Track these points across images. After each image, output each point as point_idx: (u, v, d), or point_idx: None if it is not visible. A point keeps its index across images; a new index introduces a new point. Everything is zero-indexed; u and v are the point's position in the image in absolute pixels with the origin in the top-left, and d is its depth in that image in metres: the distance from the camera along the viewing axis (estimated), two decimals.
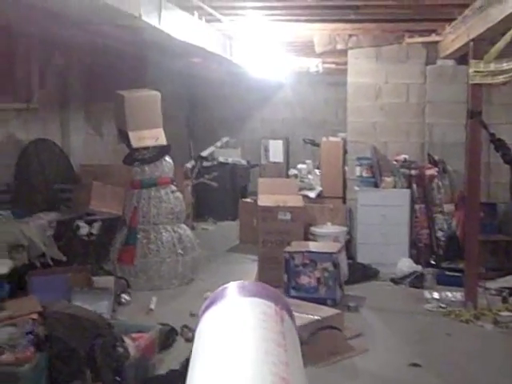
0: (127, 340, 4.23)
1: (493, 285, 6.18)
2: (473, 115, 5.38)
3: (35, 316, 4.18)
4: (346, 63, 8.33)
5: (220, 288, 1.25)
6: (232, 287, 1.24)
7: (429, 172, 7.22)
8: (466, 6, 5.34)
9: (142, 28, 4.82)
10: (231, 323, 1.12)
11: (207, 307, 1.22)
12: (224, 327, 1.12)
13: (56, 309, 4.13)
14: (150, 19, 4.67)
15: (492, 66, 4.61)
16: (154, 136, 6.69)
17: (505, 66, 4.18)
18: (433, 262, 7.04)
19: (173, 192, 6.87)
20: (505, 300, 5.92)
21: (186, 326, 5.19)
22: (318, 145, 10.25)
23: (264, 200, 6.96)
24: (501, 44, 4.52)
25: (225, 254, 8.28)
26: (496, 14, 4.43)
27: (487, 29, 4.86)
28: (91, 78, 8.06)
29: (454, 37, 6.27)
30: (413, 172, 7.25)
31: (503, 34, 4.75)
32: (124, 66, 8.18)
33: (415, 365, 4.56)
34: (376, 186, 7.37)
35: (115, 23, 4.80)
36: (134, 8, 4.30)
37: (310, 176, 9.29)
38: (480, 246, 6.07)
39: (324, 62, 10.33)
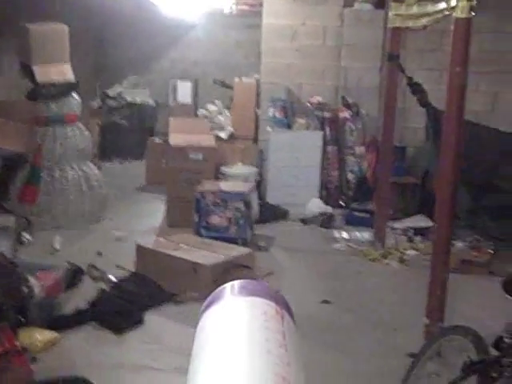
0: (32, 279, 4.04)
1: (399, 225, 6.32)
2: (391, 58, 5.38)
3: None
4: (260, 5, 8.15)
5: (220, 287, 1.24)
6: (232, 286, 1.24)
7: (342, 115, 7.24)
8: None
9: None
10: (232, 322, 1.13)
11: (207, 306, 1.21)
12: (225, 327, 1.12)
13: None
14: None
15: (415, 9, 4.57)
16: (60, 71, 6.34)
17: (429, 8, 4.14)
18: (342, 203, 7.13)
19: (79, 130, 6.58)
20: (410, 239, 6.08)
21: (92, 266, 5.04)
22: (228, 86, 10.08)
23: (176, 139, 6.78)
24: None
25: (132, 194, 8.08)
26: None
27: None
28: None
29: None
30: (326, 114, 7.25)
31: None
32: None
33: (326, 302, 4.62)
34: (289, 127, 7.33)
35: None
36: None
37: (219, 117, 9.14)
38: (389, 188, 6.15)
39: (238, 3, 10.10)
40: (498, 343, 2.46)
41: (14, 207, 6.20)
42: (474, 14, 3.60)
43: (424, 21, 4.44)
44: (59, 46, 6.41)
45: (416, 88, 4.86)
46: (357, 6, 7.36)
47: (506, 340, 2.42)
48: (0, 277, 3.83)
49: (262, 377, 0.96)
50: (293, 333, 1.14)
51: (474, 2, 3.58)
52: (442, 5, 3.87)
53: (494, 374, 2.34)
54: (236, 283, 1.25)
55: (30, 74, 6.31)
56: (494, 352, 2.48)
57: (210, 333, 1.13)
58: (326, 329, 4.22)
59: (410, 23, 4.81)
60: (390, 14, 5.23)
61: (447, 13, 3.80)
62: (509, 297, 2.70)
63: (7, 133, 6.21)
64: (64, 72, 6.42)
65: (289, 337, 1.09)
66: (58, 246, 5.65)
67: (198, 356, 1.08)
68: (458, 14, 3.61)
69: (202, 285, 4.63)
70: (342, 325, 4.28)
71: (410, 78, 4.99)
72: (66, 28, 6.48)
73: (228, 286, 1.24)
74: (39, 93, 6.35)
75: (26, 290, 3.93)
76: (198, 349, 1.11)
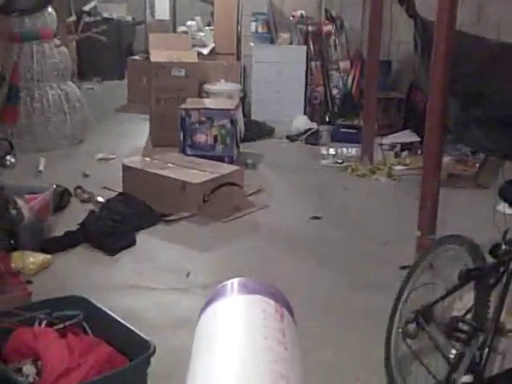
0: (20, 202, 3.98)
1: (386, 140, 6.30)
2: None
3: None
4: None
5: (220, 285, 1.22)
6: (232, 284, 1.22)
7: (326, 28, 7.09)
8: None
9: None
10: (231, 320, 1.12)
11: (207, 304, 1.20)
12: (224, 324, 1.12)
13: None
14: None
15: None
16: None
17: None
18: (328, 120, 7.07)
19: (57, 47, 6.38)
20: (397, 155, 6.08)
21: (79, 187, 4.99)
22: (208, 1, 9.79)
23: (157, 56, 6.60)
24: None
25: (114, 114, 7.96)
26: None
27: None
28: None
29: None
30: (310, 28, 7.11)
31: None
32: None
33: (315, 218, 4.63)
34: (272, 42, 7.18)
35: None
36: None
37: (200, 33, 8.91)
38: None
39: None
40: (495, 250, 2.47)
41: None
42: None
43: None
44: None
45: None
46: None
47: (504, 247, 2.43)
48: None
49: (260, 374, 0.96)
50: (293, 331, 1.14)
51: None
52: None
53: (492, 281, 2.36)
54: (236, 281, 1.23)
55: None
56: (490, 260, 2.50)
57: (210, 330, 1.12)
58: (316, 244, 4.24)
59: None
60: None
61: None
62: (505, 203, 2.70)
63: None
64: None
65: (288, 335, 1.09)
66: (42, 168, 5.57)
67: (198, 353, 1.08)
68: None
69: (192, 203, 4.62)
70: (333, 240, 4.30)
71: None
72: None
73: (228, 284, 1.22)
74: (12, 6, 6.08)
75: (14, 212, 3.88)
76: (197, 346, 1.11)
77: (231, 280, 1.22)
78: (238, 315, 1.14)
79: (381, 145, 6.12)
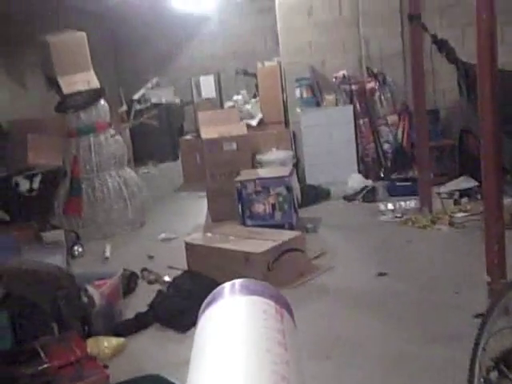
0: (91, 288, 4.09)
1: (443, 189, 6.25)
2: (412, 19, 5.29)
3: None
4: None
5: (220, 286, 1.21)
6: (232, 285, 1.21)
7: (369, 85, 7.18)
8: None
9: None
10: (232, 322, 1.11)
11: (207, 305, 1.19)
12: (224, 326, 1.11)
13: (11, 266, 3.93)
14: None
15: None
16: (85, 79, 6.39)
17: None
18: (382, 175, 7.08)
19: (112, 136, 6.64)
20: (456, 202, 6.01)
21: (145, 269, 5.09)
22: (251, 74, 10.06)
23: (207, 133, 6.79)
24: None
25: (172, 195, 8.15)
26: None
27: None
28: (8, 28, 7.60)
29: None
30: (353, 87, 7.21)
31: None
32: (42, 12, 7.74)
33: (382, 274, 4.58)
34: (318, 105, 7.28)
35: None
36: None
37: (246, 106, 9.14)
38: None
39: None
40: None
41: (61, 222, 6.30)
42: None
43: None
44: (80, 54, 6.46)
45: (442, 45, 4.77)
46: None
47: None
48: (60, 289, 3.88)
49: (260, 376, 0.95)
50: (292, 332, 1.14)
51: None
52: None
53: None
54: (236, 282, 1.22)
55: (56, 87, 6.37)
56: None
57: (210, 332, 1.12)
58: (386, 300, 4.18)
59: None
60: None
61: None
62: None
63: (42, 148, 6.30)
64: (89, 80, 6.47)
65: (288, 336, 1.09)
66: (108, 254, 5.72)
67: (198, 355, 1.07)
68: None
69: (257, 273, 4.63)
70: (402, 294, 4.23)
71: (434, 36, 4.90)
72: (84, 35, 6.51)
73: (228, 285, 1.22)
74: (67, 104, 6.41)
75: (86, 300, 3.98)
76: (197, 348, 1.10)
77: (231, 281, 1.21)
78: (239, 316, 1.12)
79: (439, 194, 6.07)
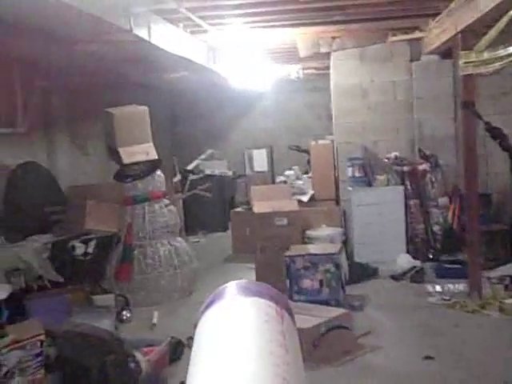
0: (138, 355, 4.17)
1: (493, 274, 6.19)
2: (466, 106, 5.40)
3: (43, 337, 4.10)
4: (326, 68, 8.31)
5: (220, 287, 1.18)
6: (233, 286, 1.19)
7: (421, 167, 7.25)
8: None
9: (132, 42, 4.79)
10: (233, 323, 1.09)
11: (208, 306, 1.16)
12: (225, 327, 1.09)
13: (65, 328, 4.05)
14: (141, 33, 4.65)
15: (485, 55, 4.62)
16: (144, 151, 6.64)
17: (501, 52, 4.19)
18: (431, 256, 7.06)
19: (166, 206, 6.82)
20: (507, 288, 5.93)
21: (191, 338, 5.11)
22: (303, 150, 10.25)
23: (260, 207, 6.92)
24: (493, 33, 4.54)
25: (221, 265, 8.23)
26: (485, 4, 4.46)
27: (476, 19, 4.90)
28: (75, 99, 8.00)
29: (439, 31, 6.31)
30: (405, 168, 7.28)
31: (490, 24, 4.80)
32: (107, 85, 8.13)
33: (428, 357, 4.54)
34: (369, 185, 7.37)
35: (103, 38, 4.75)
36: (125, 21, 4.27)
37: (298, 181, 9.28)
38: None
39: (304, 68, 10.37)
40: None
41: (112, 286, 6.44)
42: None
43: (496, 65, 4.48)
44: (141, 127, 6.73)
45: (495, 132, 4.86)
46: (423, 58, 7.45)
47: None
48: (108, 354, 3.97)
49: (262, 378, 0.93)
50: (293, 333, 1.10)
51: None
52: None
53: None
54: (237, 283, 1.20)
55: (117, 156, 6.63)
56: None
57: (210, 333, 1.09)
58: None
59: (483, 69, 4.85)
60: (461, 62, 5.27)
61: None
62: None
63: (100, 214, 6.50)
64: (147, 151, 6.71)
65: (289, 337, 1.06)
66: (155, 321, 5.80)
67: (198, 356, 1.05)
68: None
69: (302, 348, 4.65)
70: (450, 380, 4.19)
71: (488, 123, 4.99)
72: (146, 109, 6.81)
73: (228, 286, 1.19)
74: (126, 173, 6.64)
75: (133, 365, 4.05)
76: (197, 349, 1.08)
77: (230, 282, 1.19)
78: (239, 317, 1.10)
79: (489, 278, 6.01)
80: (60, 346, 3.92)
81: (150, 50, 5.17)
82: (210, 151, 11.72)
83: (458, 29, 5.38)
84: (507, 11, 4.17)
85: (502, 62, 4.31)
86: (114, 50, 5.46)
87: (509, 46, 4.01)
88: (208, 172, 10.89)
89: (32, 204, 6.88)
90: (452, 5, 5.39)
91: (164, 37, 5.28)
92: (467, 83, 5.39)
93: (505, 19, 4.23)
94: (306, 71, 10.57)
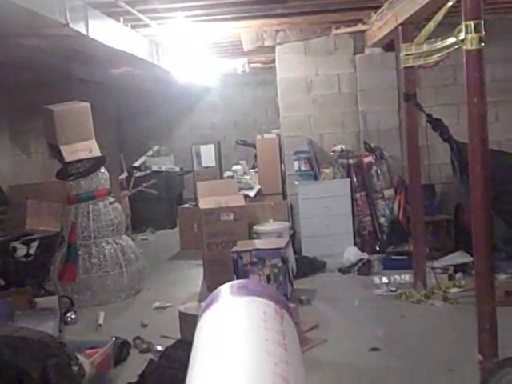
0: (81, 357, 4.06)
1: (438, 264, 6.26)
2: (407, 98, 5.44)
3: None
4: (272, 61, 8.29)
5: (220, 287, 1.23)
6: (232, 286, 1.23)
7: (366, 160, 7.29)
8: None
9: (69, 36, 4.66)
10: (232, 322, 1.12)
11: (207, 306, 1.20)
12: (224, 326, 1.11)
13: (3, 333, 3.92)
14: (78, 27, 4.54)
15: (425, 47, 4.66)
16: (87, 148, 6.51)
17: (439, 44, 4.23)
18: (378, 248, 7.12)
19: (111, 204, 6.70)
20: (451, 277, 6.02)
21: (138, 338, 5.06)
22: (251, 145, 10.23)
23: (205, 203, 6.86)
24: (431, 25, 4.58)
25: (168, 262, 8.15)
26: None
27: (415, 12, 4.95)
28: (15, 95, 7.79)
29: (381, 24, 6.35)
30: (351, 161, 7.31)
31: (428, 17, 4.85)
32: (48, 81, 7.94)
33: (375, 349, 4.56)
34: (315, 178, 7.38)
35: (40, 32, 4.61)
36: (60, 15, 4.15)
37: (246, 176, 9.25)
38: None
39: (250, 62, 10.34)
40: None
41: (56, 287, 6.30)
42: (483, 44, 3.67)
43: (435, 57, 4.52)
44: (83, 124, 6.59)
45: (436, 124, 4.90)
46: (367, 51, 7.49)
47: None
48: (50, 357, 3.86)
49: (261, 376, 0.95)
50: (292, 332, 1.13)
51: (483, 33, 3.65)
52: (451, 40, 3.94)
53: None
54: (235, 283, 1.23)
55: (58, 154, 6.48)
56: None
57: (210, 332, 1.11)
58: (379, 376, 4.16)
59: (422, 61, 4.89)
60: (402, 54, 5.32)
61: (457, 46, 3.87)
62: None
63: (41, 214, 6.36)
64: (90, 148, 6.58)
65: (288, 336, 1.08)
66: (101, 322, 5.69)
67: (198, 356, 1.07)
68: (468, 46, 3.68)
69: None
70: (395, 370, 4.21)
71: (429, 115, 5.03)
72: (88, 105, 6.66)
73: (228, 286, 1.22)
74: (68, 171, 6.50)
75: (76, 369, 3.95)
76: (197, 348, 1.10)
77: (230, 282, 1.21)
78: (239, 317, 1.11)
79: (433, 268, 6.06)
80: None
81: (88, 44, 5.05)
82: (156, 147, 11.61)
83: (399, 21, 5.42)
84: (445, 3, 4.20)
85: (439, 54, 4.35)
86: (54, 44, 5.32)
87: (446, 38, 4.05)
88: (155, 168, 10.78)
89: None
90: None
91: (103, 31, 5.16)
92: (408, 75, 5.44)
93: (442, 11, 4.26)
94: (252, 65, 10.54)
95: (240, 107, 12.46)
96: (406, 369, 4.23)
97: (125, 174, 10.17)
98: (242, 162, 10.03)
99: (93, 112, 6.73)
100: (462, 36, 3.74)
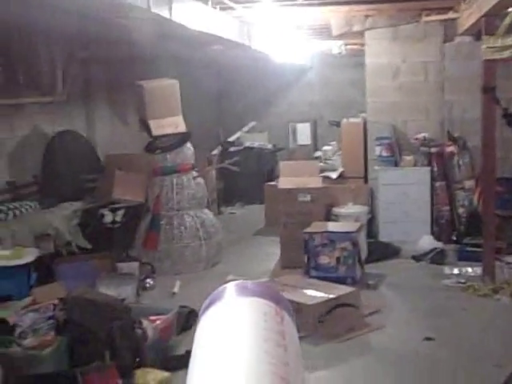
0: (145, 322, 4.37)
1: (510, 259, 6.16)
2: (486, 91, 5.37)
3: (56, 301, 4.35)
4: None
5: (220, 287, 1.26)
6: (232, 287, 1.25)
7: (448, 149, 7.21)
8: None
9: (154, 20, 4.90)
10: (231, 323, 1.13)
11: (207, 306, 1.24)
12: (224, 327, 1.13)
13: (75, 294, 4.29)
14: (161, 11, 4.76)
15: (499, 42, 4.60)
16: (173, 124, 6.82)
17: (509, 40, 4.17)
18: (454, 239, 7.06)
19: (194, 178, 6.99)
20: None
21: None
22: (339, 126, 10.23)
23: (284, 182, 7.03)
24: (508, 19, 4.51)
25: (250, 238, 8.39)
26: None
27: (497, 3, 4.86)
28: (114, 70, 8.21)
29: (469, 13, 6.24)
30: (432, 150, 7.25)
31: None
32: (147, 57, 8.28)
33: (428, 339, 4.62)
34: (396, 164, 7.38)
35: (126, 16, 4.88)
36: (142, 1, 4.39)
37: (334, 157, 9.32)
38: (501, 221, 6.07)
39: (347, 44, 10.33)
40: None
41: (139, 254, 6.69)
42: None
43: (508, 52, 4.45)
44: (171, 101, 6.89)
45: (511, 119, 4.83)
46: (457, 39, 7.36)
47: None
48: (115, 319, 4.18)
49: (260, 377, 0.97)
50: (293, 333, 1.14)
51: None
52: None
53: None
54: (236, 283, 1.25)
55: (147, 128, 6.83)
56: None
57: (210, 333, 1.14)
58: (426, 366, 4.23)
59: (497, 55, 4.82)
60: (483, 46, 5.24)
61: None
62: None
63: (128, 184, 6.73)
64: (177, 124, 6.88)
65: (288, 337, 1.09)
66: (176, 290, 6.01)
67: (198, 356, 1.10)
68: None
69: (307, 324, 4.79)
70: (443, 362, 4.26)
71: (505, 110, 4.96)
72: (176, 83, 6.96)
73: (228, 286, 1.24)
74: (156, 145, 6.85)
75: (139, 331, 4.26)
76: (197, 349, 1.13)
77: (230, 283, 1.24)
78: (238, 318, 1.14)
79: (508, 263, 6.00)
80: (69, 310, 4.17)
81: (173, 28, 5.28)
82: (252, 123, 11.83)
83: (482, 12, 5.33)
84: None
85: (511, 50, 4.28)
86: (141, 27, 5.58)
87: None
88: (247, 144, 11.01)
89: (69, 171, 7.14)
90: None
91: (188, 14, 5.37)
92: (488, 68, 5.35)
93: None
94: (348, 47, 10.53)
95: (337, 87, 12.45)
96: (454, 360, 4.28)
97: (219, 149, 10.48)
98: (333, 142, 10.09)
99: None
100: None
